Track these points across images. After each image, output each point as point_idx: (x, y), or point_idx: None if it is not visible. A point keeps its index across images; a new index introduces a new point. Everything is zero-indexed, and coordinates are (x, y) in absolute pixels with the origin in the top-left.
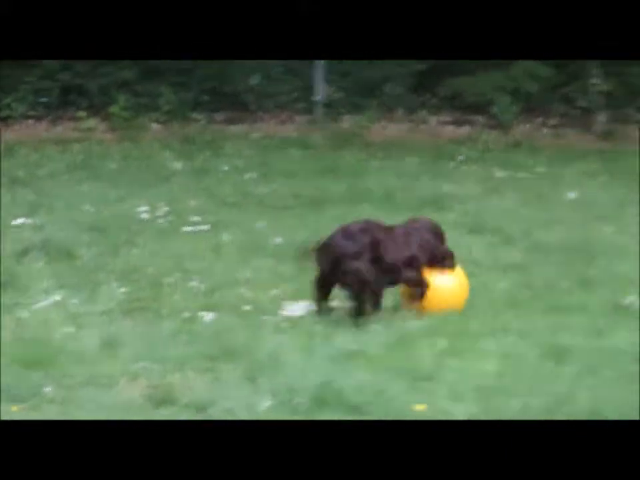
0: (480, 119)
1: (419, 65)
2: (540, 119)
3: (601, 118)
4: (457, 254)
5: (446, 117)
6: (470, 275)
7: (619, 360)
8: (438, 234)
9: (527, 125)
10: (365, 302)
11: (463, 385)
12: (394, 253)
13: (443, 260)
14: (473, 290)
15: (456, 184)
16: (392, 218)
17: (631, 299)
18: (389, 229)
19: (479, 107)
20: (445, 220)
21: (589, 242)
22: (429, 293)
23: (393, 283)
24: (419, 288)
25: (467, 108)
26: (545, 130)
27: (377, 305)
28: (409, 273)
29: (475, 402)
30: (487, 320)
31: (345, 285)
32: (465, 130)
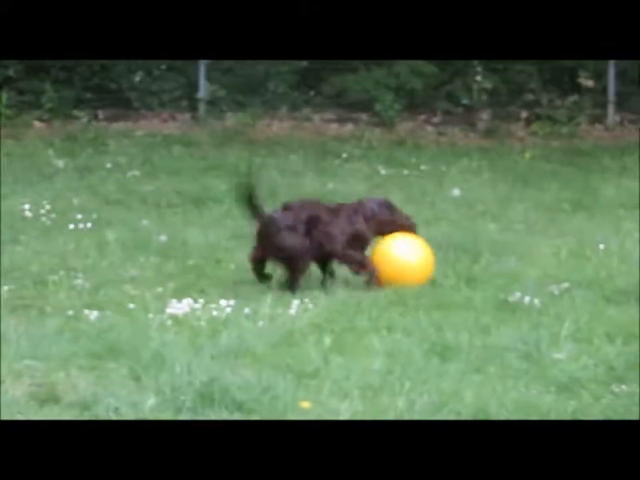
0: (364, 116)
1: (302, 62)
2: (424, 117)
3: (485, 116)
4: None
5: (330, 115)
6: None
7: (504, 357)
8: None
9: (411, 123)
10: (295, 274)
11: (348, 383)
12: (333, 229)
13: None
14: (358, 288)
15: (340, 181)
16: None
17: (516, 295)
18: (333, 208)
19: (363, 105)
20: None
21: (473, 239)
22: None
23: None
24: (363, 271)
25: (350, 106)
26: (429, 127)
27: (295, 278)
28: (351, 252)
29: (361, 399)
30: (372, 317)
31: (276, 257)
32: (348, 128)
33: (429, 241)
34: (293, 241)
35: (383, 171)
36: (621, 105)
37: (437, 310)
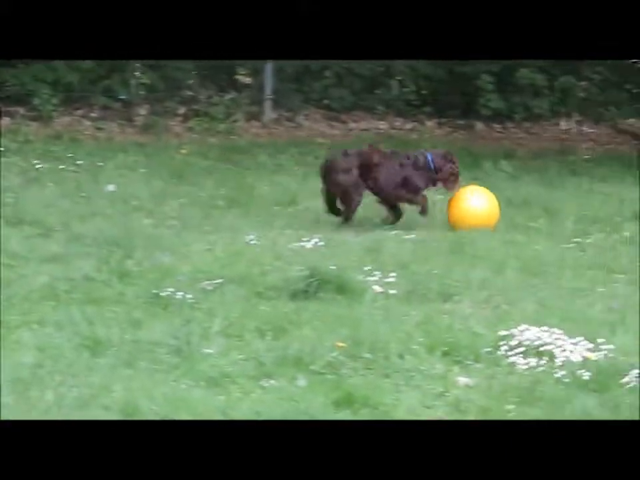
0: (21, 110)
1: None
2: (81, 111)
3: (142, 111)
4: None
5: None
6: (7, 268)
7: (155, 352)
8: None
9: (68, 117)
10: (348, 207)
11: None
12: (385, 174)
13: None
14: (10, 282)
15: None
16: None
17: (169, 290)
18: (387, 154)
19: (20, 99)
20: None
21: (127, 234)
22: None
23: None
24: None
25: (7, 99)
26: (87, 122)
27: (350, 211)
28: (400, 192)
29: (11, 394)
30: (24, 311)
31: (334, 193)
32: (5, 122)
33: (84, 236)
34: (346, 179)
35: (38, 165)
36: (277, 102)
37: (90, 304)
